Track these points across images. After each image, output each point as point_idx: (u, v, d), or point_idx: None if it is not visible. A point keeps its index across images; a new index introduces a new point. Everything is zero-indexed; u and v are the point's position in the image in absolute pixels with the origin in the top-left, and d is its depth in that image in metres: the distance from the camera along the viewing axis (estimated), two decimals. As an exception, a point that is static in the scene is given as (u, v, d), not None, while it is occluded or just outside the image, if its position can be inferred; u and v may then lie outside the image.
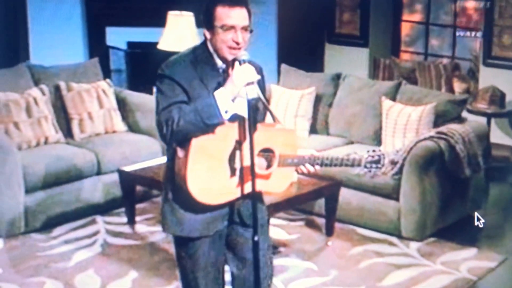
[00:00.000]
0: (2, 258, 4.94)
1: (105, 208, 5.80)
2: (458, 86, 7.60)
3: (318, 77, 6.56)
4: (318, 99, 6.36)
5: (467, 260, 4.94)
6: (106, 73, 8.25)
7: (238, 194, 3.00)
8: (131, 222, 5.54)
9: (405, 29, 8.56)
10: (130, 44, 8.65)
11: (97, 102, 6.26)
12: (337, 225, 5.44)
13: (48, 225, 5.45)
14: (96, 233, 5.41)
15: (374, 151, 3.10)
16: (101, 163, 5.80)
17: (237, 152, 2.96)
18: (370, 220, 5.41)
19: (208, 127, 2.89)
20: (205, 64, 3.01)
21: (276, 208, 4.79)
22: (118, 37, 8.70)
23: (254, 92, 2.90)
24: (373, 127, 5.97)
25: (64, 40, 8.18)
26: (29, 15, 8.02)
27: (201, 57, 3.03)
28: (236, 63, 2.97)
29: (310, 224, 5.55)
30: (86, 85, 6.30)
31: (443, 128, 5.35)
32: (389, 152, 3.18)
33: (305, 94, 6.30)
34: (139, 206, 5.78)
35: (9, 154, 5.23)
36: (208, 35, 3.02)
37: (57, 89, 6.18)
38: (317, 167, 3.10)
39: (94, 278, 4.67)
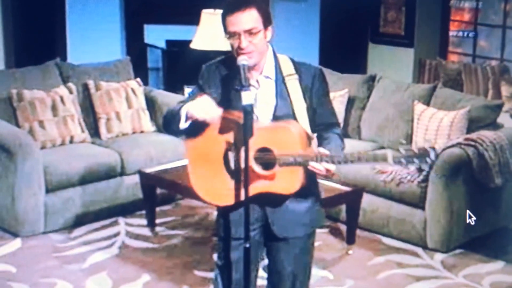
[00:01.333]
0: (18, 258, 5.09)
1: (128, 209, 5.92)
2: (505, 89, 7.48)
3: (351, 78, 6.55)
4: (351, 102, 6.37)
5: (491, 273, 4.88)
6: (144, 71, 8.44)
7: (247, 196, 3.03)
8: (151, 224, 5.64)
9: (453, 29, 8.46)
10: (169, 42, 8.78)
11: (125, 101, 6.40)
12: (362, 233, 5.46)
13: (69, 226, 5.60)
14: (116, 234, 5.53)
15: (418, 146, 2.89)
16: (125, 164, 5.92)
17: (230, 154, 3.02)
18: (396, 230, 5.39)
19: (175, 128, 3.04)
20: (229, 69, 3.10)
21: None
22: (157, 35, 8.87)
23: (250, 98, 2.94)
24: (405, 132, 5.95)
25: (102, 37, 8.37)
26: (67, 12, 8.25)
27: (229, 61, 3.10)
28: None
29: (334, 232, 5.57)
30: (115, 84, 6.44)
31: (473, 135, 5.29)
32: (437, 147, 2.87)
33: (336, 96, 6.30)
34: (161, 208, 5.90)
35: (29, 152, 5.37)
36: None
37: (85, 87, 6.35)
38: (329, 166, 2.94)
39: (105, 280, 4.78)
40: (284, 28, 8.43)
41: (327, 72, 6.67)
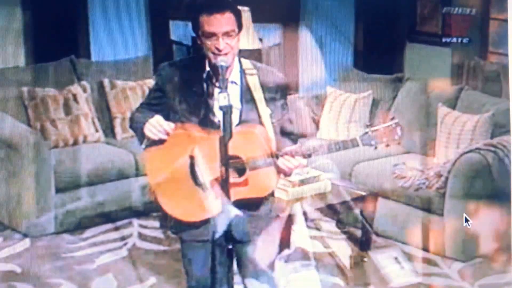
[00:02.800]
0: (26, 258, 5.35)
1: (142, 211, 6.10)
2: (545, 93, 7.52)
3: (377, 79, 6.70)
4: (375, 104, 6.52)
5: (509, 284, 4.98)
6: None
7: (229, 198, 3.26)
8: (164, 226, 5.86)
9: (493, 28, 8.50)
10: (195, 40, 8.96)
11: (141, 100, 6.61)
12: (381, 240, 5.61)
13: (80, 227, 5.82)
14: (128, 236, 5.76)
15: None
16: (139, 164, 6.11)
17: (196, 168, 3.23)
18: (414, 237, 5.53)
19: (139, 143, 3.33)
20: (194, 69, 3.31)
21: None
22: (183, 31, 9.07)
23: (226, 99, 3.15)
24: (429, 136, 6.07)
25: (126, 34, 8.58)
26: (90, 7, 8.50)
27: (195, 61, 3.33)
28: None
29: (351, 238, 5.72)
30: (132, 83, 6.66)
31: (494, 140, 5.41)
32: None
33: (359, 98, 6.46)
34: (175, 210, 6.10)
35: (38, 151, 5.63)
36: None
37: (101, 85, 6.59)
38: (301, 160, 3.21)
39: (111, 282, 5.02)
40: (317, 26, 8.59)
41: (353, 72, 6.91)
